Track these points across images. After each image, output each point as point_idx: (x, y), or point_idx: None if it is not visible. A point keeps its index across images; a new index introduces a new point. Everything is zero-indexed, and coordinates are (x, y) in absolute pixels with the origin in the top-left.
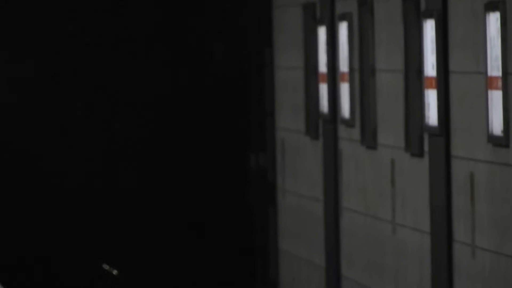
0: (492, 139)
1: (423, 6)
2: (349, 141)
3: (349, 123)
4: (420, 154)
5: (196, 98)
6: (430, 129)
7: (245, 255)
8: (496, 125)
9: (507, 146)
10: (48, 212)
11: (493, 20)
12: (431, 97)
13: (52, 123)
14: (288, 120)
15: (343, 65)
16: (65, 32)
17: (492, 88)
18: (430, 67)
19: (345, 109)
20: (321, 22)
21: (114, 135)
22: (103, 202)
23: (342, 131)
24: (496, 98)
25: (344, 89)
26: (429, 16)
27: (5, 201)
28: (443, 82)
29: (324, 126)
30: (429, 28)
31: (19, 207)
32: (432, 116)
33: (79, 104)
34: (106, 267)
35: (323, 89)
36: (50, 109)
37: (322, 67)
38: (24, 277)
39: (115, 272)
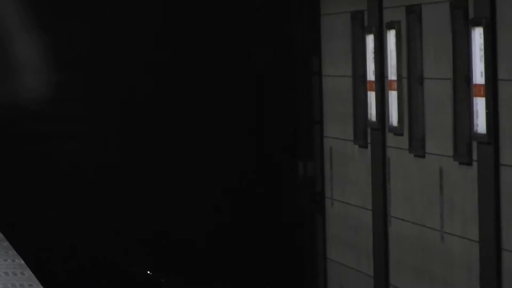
0: None
1: (471, 14)
2: (397, 150)
3: (397, 131)
4: (469, 163)
5: (245, 106)
6: (478, 137)
7: (294, 263)
8: None
9: None
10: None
11: None
12: (479, 105)
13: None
14: (336, 129)
15: (391, 73)
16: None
17: None
18: (478, 75)
19: (393, 117)
20: (369, 30)
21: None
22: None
23: (390, 139)
24: None
25: (392, 97)
26: (478, 24)
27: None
28: (491, 89)
29: (372, 135)
30: (478, 35)
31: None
32: (480, 124)
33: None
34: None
35: (371, 97)
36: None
37: (370, 75)
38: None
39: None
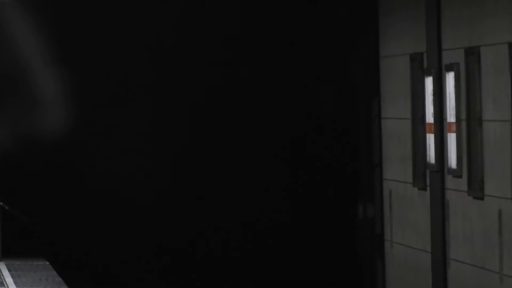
0: None
1: None
2: (456, 192)
3: (456, 174)
4: None
5: (306, 148)
6: None
7: None
8: None
9: None
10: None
11: None
12: None
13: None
14: (395, 171)
15: (450, 115)
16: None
17: None
18: None
19: (452, 159)
20: (428, 72)
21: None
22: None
23: (449, 181)
24: None
25: (451, 139)
26: None
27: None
28: None
29: (431, 177)
30: None
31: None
32: None
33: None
34: None
35: (430, 139)
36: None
37: (429, 117)
38: None
39: None
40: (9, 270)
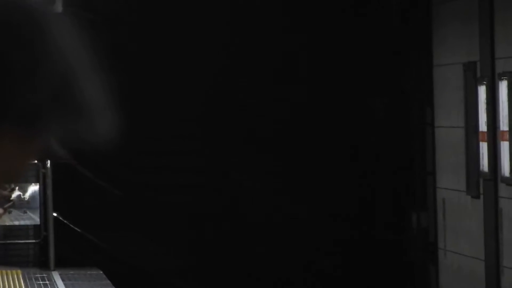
0: None
1: None
2: (509, 200)
3: (509, 182)
4: None
5: (360, 157)
6: None
7: None
8: None
9: None
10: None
11: None
12: None
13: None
14: (448, 180)
15: (503, 124)
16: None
17: None
18: None
19: (506, 167)
20: (481, 81)
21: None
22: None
23: (503, 189)
24: None
25: (504, 148)
26: None
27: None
28: None
29: (485, 185)
30: None
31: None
32: None
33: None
34: None
35: (483, 148)
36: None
37: (482, 126)
38: None
39: None
40: (63, 280)
